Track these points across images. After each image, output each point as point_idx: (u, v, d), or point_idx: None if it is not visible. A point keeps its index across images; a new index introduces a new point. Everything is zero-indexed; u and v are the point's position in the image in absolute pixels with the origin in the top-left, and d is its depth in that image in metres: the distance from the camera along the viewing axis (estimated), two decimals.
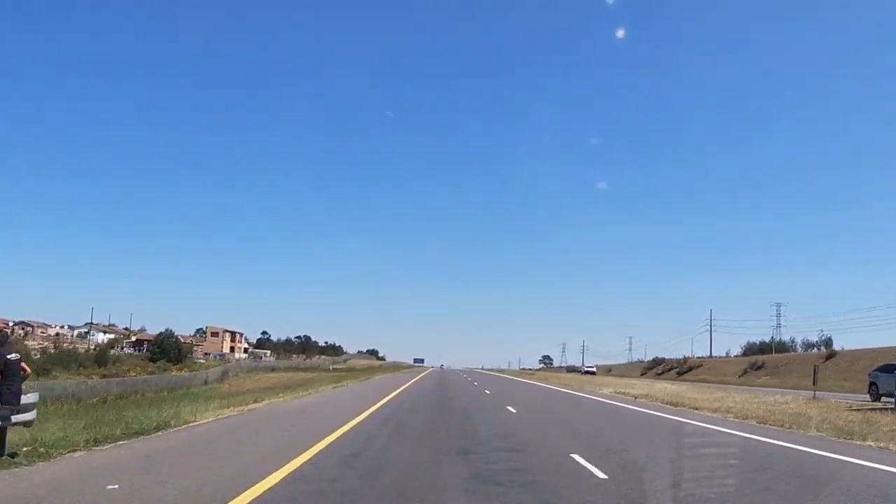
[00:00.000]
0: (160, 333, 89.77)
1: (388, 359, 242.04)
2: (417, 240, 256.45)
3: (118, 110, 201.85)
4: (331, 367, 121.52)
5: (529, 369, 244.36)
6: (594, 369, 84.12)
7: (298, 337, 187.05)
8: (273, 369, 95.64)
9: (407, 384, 40.88)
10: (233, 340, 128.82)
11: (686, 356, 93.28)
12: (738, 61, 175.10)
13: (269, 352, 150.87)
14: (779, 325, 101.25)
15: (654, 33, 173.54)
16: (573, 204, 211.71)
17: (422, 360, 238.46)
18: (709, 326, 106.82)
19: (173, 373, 75.82)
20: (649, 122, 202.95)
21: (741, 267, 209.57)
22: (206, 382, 71.89)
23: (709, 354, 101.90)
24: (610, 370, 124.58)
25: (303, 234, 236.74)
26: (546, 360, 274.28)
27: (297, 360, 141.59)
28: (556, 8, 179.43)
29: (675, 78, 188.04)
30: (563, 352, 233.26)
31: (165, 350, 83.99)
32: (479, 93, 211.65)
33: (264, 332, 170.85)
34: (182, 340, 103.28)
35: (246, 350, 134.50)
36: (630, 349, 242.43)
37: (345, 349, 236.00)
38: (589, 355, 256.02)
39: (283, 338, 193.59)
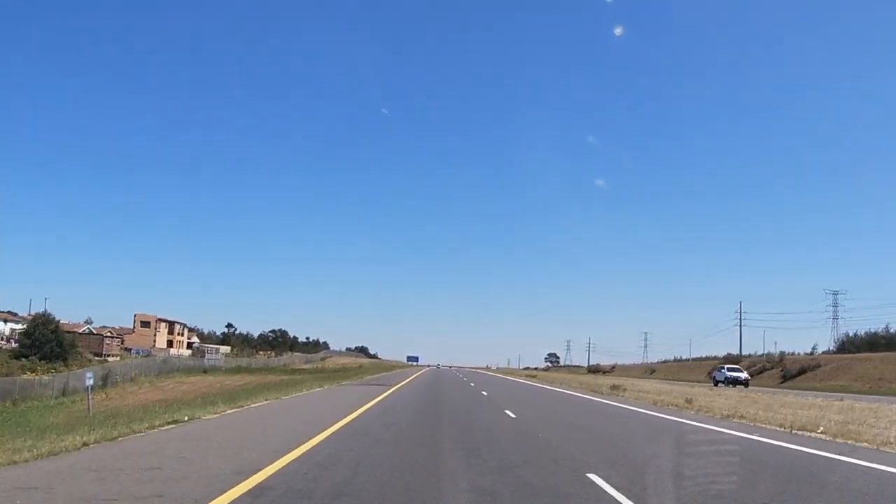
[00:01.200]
0: (33, 320, 63.38)
1: (383, 357, 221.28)
2: (415, 237, 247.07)
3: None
4: (298, 367, 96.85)
5: (535, 369, 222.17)
6: (745, 375, 49.28)
7: (273, 331, 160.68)
8: (205, 370, 69.75)
9: (345, 420, 14.48)
10: (171, 332, 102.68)
11: (783, 352, 67.66)
12: (738, 60, 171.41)
13: (228, 348, 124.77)
14: (836, 317, 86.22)
15: (653, 32, 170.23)
16: (572, 201, 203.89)
17: (416, 359, 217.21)
18: (738, 321, 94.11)
19: (26, 376, 49.72)
20: (648, 121, 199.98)
21: (755, 262, 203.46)
22: (63, 393, 45.82)
23: (738, 351, 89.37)
24: (653, 372, 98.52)
25: (299, 230, 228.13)
26: (552, 358, 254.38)
27: (261, 357, 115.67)
28: (554, 7, 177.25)
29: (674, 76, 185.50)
30: (568, 349, 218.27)
31: (39, 343, 57.75)
32: (478, 92, 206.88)
33: (229, 325, 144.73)
34: (93, 331, 76.84)
35: (190, 345, 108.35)
36: (645, 346, 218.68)
37: (331, 346, 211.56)
38: (595, 353, 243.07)
39: (258, 332, 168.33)
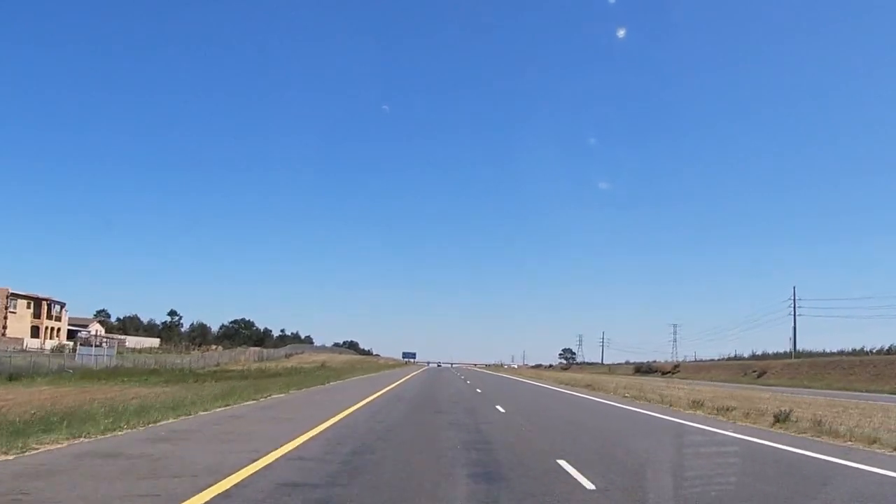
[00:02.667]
0: None
1: (382, 353, 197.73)
2: (414, 234, 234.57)
3: None
4: (235, 368, 66.50)
5: (549, 367, 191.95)
6: None
7: (235, 322, 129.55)
8: (11, 377, 38.71)
9: None
10: (38, 315, 70.83)
11: None
12: (737, 60, 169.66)
13: (157, 341, 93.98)
14: None
15: (655, 33, 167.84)
16: (575, 198, 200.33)
17: (413, 356, 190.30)
18: (791, 311, 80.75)
19: None
20: (648, 121, 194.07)
21: (771, 257, 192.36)
22: None
23: (793, 346, 75.71)
24: (761, 374, 66.75)
25: (298, 227, 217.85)
26: (567, 354, 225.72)
27: (195, 354, 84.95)
28: (555, 7, 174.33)
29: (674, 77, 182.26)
30: (580, 345, 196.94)
31: None
32: (478, 92, 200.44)
33: (172, 313, 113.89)
34: None
35: (72, 334, 76.62)
36: (675, 341, 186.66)
37: (316, 341, 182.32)
38: (610, 350, 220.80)
39: (221, 323, 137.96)
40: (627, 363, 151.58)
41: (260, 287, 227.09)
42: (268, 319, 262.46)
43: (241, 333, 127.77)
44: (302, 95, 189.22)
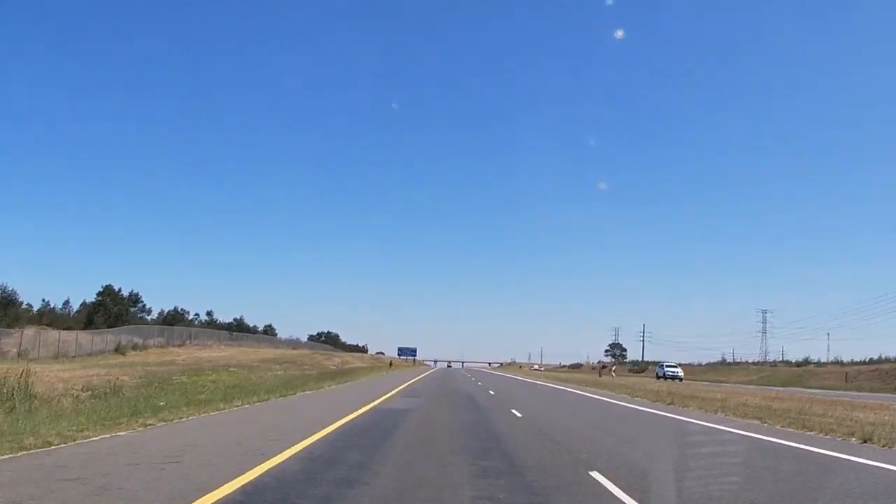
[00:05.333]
0: None
1: (383, 352, 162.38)
2: (416, 231, 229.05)
3: None
4: None
5: (609, 366, 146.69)
6: None
7: (101, 294, 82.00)
8: None
9: None
10: None
11: None
12: (736, 60, 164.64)
13: None
14: None
15: (653, 33, 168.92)
16: (573, 197, 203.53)
17: (413, 352, 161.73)
18: None
19: None
20: (648, 122, 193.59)
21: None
22: None
23: None
24: None
25: (307, 224, 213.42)
26: (615, 350, 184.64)
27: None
28: (554, 8, 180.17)
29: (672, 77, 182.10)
30: (616, 337, 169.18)
31: None
32: (478, 92, 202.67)
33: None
34: None
35: None
36: (764, 333, 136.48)
37: (278, 332, 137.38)
38: (652, 345, 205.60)
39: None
40: (704, 364, 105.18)
41: (251, 281, 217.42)
42: (254, 313, 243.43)
43: (133, 314, 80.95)
44: (302, 94, 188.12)
